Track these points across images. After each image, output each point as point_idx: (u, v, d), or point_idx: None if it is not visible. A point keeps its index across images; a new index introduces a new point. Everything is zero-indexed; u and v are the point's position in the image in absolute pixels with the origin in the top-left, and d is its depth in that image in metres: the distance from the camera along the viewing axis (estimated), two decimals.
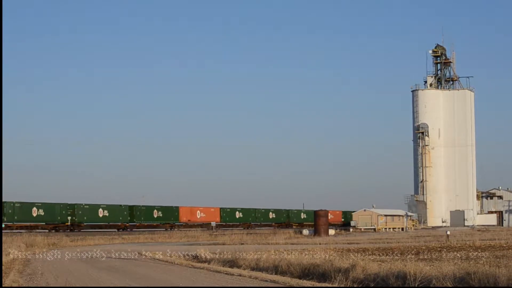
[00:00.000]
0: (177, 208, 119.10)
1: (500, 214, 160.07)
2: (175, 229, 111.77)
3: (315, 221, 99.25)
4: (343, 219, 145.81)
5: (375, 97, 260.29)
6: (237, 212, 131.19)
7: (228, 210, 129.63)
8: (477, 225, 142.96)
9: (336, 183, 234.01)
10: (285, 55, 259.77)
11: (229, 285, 26.15)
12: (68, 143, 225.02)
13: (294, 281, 26.92)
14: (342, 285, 25.59)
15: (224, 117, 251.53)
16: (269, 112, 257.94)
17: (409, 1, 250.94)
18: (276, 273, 30.35)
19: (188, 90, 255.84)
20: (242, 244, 61.61)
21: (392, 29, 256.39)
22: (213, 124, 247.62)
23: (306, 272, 29.75)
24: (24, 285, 26.82)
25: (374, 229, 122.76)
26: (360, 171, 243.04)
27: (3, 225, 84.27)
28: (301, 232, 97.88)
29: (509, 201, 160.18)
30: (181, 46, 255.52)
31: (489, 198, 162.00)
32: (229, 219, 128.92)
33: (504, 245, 52.63)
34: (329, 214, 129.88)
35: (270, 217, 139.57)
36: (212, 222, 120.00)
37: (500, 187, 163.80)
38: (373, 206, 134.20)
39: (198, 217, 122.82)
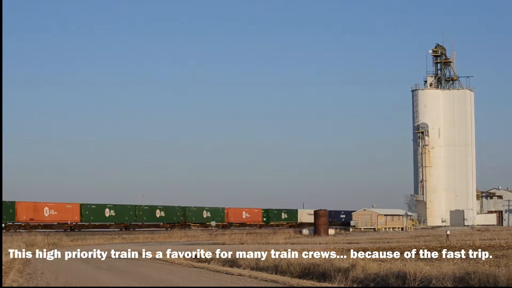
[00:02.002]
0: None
1: (500, 214, 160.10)
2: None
3: (315, 221, 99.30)
4: (265, 219, 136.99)
5: (375, 97, 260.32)
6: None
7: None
8: (477, 225, 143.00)
9: (336, 182, 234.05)
10: (284, 54, 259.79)
11: (229, 285, 26.16)
12: (67, 143, 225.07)
13: (294, 281, 26.94)
14: (342, 285, 25.60)
15: (224, 117, 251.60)
16: (269, 112, 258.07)
17: (409, 1, 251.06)
18: (276, 273, 30.36)
19: (188, 90, 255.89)
20: (242, 244, 61.61)
21: (392, 29, 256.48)
22: (213, 124, 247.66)
23: (306, 272, 29.75)
24: (24, 285, 26.82)
25: (374, 228, 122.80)
26: (360, 170, 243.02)
27: (2, 225, 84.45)
28: (301, 232, 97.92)
29: (509, 200, 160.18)
30: (180, 46, 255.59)
31: (489, 198, 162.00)
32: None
33: (504, 245, 52.63)
34: (244, 212, 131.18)
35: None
36: (212, 222, 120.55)
37: (500, 187, 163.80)
38: (373, 206, 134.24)
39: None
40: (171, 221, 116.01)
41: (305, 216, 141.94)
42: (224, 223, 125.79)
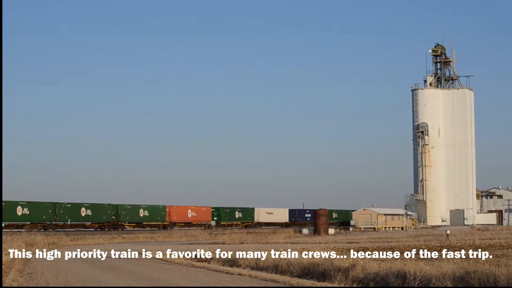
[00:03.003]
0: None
1: (499, 213, 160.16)
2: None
3: (315, 221, 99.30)
4: (215, 218, 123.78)
5: (375, 96, 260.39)
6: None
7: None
8: (477, 224, 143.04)
9: (336, 182, 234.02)
10: (284, 54, 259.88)
11: (229, 285, 26.16)
12: (67, 142, 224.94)
13: (294, 280, 26.94)
14: (342, 285, 25.60)
15: (223, 116, 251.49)
16: (269, 112, 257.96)
17: (409, 1, 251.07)
18: (276, 272, 30.36)
19: (187, 90, 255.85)
20: (241, 243, 61.61)
21: (392, 28, 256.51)
22: (212, 124, 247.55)
23: (306, 271, 29.76)
24: (24, 285, 26.82)
25: (374, 228, 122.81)
26: (360, 170, 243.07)
27: (3, 224, 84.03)
28: (301, 231, 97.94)
29: (508, 200, 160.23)
30: (180, 46, 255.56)
31: (488, 197, 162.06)
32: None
33: (504, 244, 52.66)
34: (190, 210, 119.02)
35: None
36: (212, 222, 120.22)
37: (499, 186, 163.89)
38: (373, 206, 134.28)
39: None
40: (100, 220, 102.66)
41: (263, 215, 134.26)
42: (165, 223, 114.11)
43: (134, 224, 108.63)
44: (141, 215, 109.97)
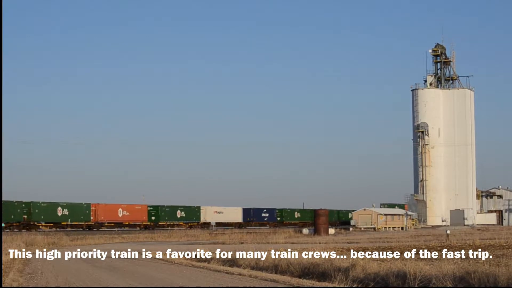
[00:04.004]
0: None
1: (500, 213, 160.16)
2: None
3: (315, 221, 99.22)
4: (153, 218, 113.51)
5: (375, 96, 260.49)
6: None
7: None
8: (477, 224, 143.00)
9: (336, 182, 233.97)
10: (284, 54, 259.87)
11: (229, 285, 26.15)
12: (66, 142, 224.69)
13: (294, 280, 26.92)
14: (342, 285, 25.58)
15: (223, 116, 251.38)
16: (268, 111, 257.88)
17: (409, 1, 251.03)
18: (276, 272, 30.35)
19: (187, 89, 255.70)
20: (241, 243, 61.61)
21: (392, 28, 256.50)
22: (212, 124, 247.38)
23: (306, 271, 29.75)
24: (24, 285, 26.81)
25: (374, 228, 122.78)
26: (360, 170, 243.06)
27: (3, 225, 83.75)
28: (301, 231, 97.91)
29: (508, 200, 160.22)
30: (178, 46, 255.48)
31: (489, 197, 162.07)
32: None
33: (504, 244, 52.63)
34: (121, 209, 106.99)
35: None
36: (212, 222, 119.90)
37: (500, 186, 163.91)
38: (373, 206, 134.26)
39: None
40: (9, 220, 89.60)
41: (212, 214, 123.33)
42: (90, 223, 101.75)
43: (52, 224, 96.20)
44: (60, 214, 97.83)
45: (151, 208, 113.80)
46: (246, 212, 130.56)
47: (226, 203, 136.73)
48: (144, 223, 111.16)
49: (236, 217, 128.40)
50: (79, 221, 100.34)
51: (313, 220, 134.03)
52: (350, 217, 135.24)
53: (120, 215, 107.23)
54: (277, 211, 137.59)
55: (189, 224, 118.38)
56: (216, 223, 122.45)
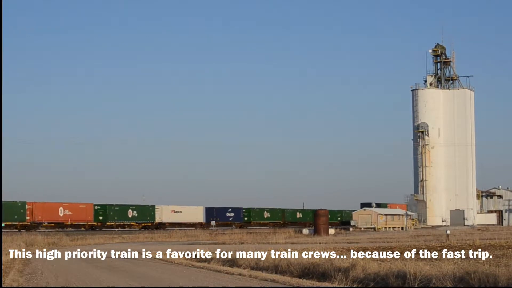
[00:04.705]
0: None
1: (500, 213, 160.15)
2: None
3: (315, 221, 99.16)
4: (100, 217, 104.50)
5: (375, 96, 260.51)
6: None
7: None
8: (477, 225, 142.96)
9: (336, 182, 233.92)
10: (284, 54, 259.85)
11: (229, 285, 26.15)
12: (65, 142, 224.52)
13: (294, 281, 26.92)
14: (342, 285, 25.58)
15: (223, 116, 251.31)
16: (269, 111, 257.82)
17: (409, 1, 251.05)
18: (276, 273, 30.34)
19: (186, 89, 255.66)
20: (242, 243, 61.60)
21: (392, 28, 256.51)
22: (212, 124, 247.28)
23: (306, 272, 29.74)
24: (24, 285, 26.80)
25: (374, 228, 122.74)
26: (360, 170, 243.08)
27: (1, 225, 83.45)
28: (301, 232, 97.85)
29: (509, 200, 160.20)
30: (177, 46, 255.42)
31: (489, 197, 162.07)
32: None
33: (504, 245, 52.62)
34: (62, 208, 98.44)
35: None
36: (212, 221, 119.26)
37: (500, 186, 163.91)
38: (373, 206, 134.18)
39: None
40: None
41: (168, 214, 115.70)
42: (25, 223, 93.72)
43: None
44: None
45: (99, 207, 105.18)
46: (208, 211, 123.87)
47: (228, 203, 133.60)
48: (89, 223, 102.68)
49: (197, 217, 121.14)
50: (13, 221, 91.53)
51: (283, 220, 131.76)
52: (349, 216, 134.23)
53: (61, 215, 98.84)
54: (244, 210, 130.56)
55: (142, 224, 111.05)
56: (173, 223, 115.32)
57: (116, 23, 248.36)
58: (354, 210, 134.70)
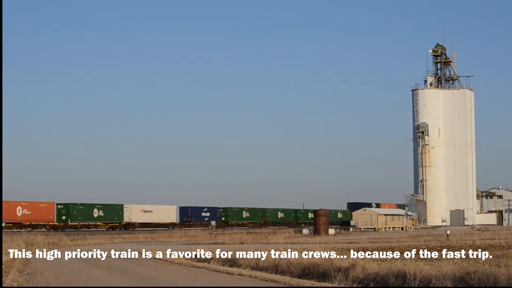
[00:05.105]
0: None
1: (500, 214, 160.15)
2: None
3: (315, 221, 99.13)
4: (63, 217, 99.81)
5: (375, 96, 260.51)
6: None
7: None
8: (477, 225, 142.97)
9: (335, 182, 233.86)
10: (284, 54, 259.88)
11: (229, 285, 26.14)
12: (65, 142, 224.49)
13: (294, 281, 26.91)
14: (342, 285, 25.58)
15: (223, 116, 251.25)
16: (269, 111, 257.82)
17: (409, 1, 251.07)
18: (276, 273, 30.34)
19: (187, 89, 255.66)
20: (242, 243, 61.58)
21: (392, 28, 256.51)
22: (212, 124, 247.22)
23: (306, 272, 29.74)
24: (24, 285, 26.79)
25: (374, 228, 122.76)
26: (360, 170, 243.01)
27: (3, 225, 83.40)
28: (301, 232, 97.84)
29: (509, 200, 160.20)
30: (176, 46, 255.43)
31: (489, 197, 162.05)
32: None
33: (504, 245, 52.63)
34: (20, 207, 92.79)
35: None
36: (212, 221, 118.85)
37: (500, 187, 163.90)
38: (373, 206, 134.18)
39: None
40: None
41: (138, 214, 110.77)
42: None
43: None
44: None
45: (61, 206, 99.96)
46: (183, 211, 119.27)
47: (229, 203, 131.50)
48: (50, 223, 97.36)
49: (169, 216, 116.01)
50: None
51: (263, 220, 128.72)
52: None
53: (19, 214, 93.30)
54: (220, 210, 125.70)
55: (110, 224, 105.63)
56: (144, 223, 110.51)
57: (116, 23, 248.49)
58: (354, 210, 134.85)
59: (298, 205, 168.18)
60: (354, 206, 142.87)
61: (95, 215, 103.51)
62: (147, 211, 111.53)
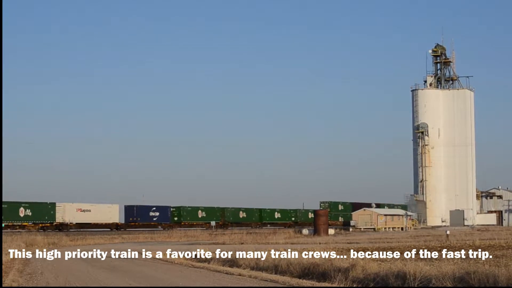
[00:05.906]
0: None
1: (499, 214, 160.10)
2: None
3: (315, 221, 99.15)
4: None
5: (375, 97, 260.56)
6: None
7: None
8: (477, 225, 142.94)
9: (335, 182, 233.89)
10: (284, 54, 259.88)
11: (229, 285, 26.14)
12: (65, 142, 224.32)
13: (294, 281, 26.91)
14: (342, 285, 25.58)
15: (223, 116, 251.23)
16: (269, 111, 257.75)
17: (409, 1, 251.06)
18: (276, 273, 30.34)
19: (186, 89, 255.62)
20: (241, 243, 61.57)
21: (392, 28, 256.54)
22: (212, 124, 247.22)
23: (306, 272, 29.74)
24: (24, 285, 26.79)
25: (374, 228, 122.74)
26: (359, 170, 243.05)
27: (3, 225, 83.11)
28: (301, 232, 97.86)
29: (508, 200, 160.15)
30: (176, 46, 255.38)
31: (488, 197, 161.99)
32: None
33: (504, 245, 52.63)
34: None
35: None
36: (212, 222, 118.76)
37: (499, 187, 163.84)
38: (373, 206, 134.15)
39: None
40: None
41: (73, 213, 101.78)
42: None
43: None
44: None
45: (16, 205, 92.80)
46: (128, 210, 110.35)
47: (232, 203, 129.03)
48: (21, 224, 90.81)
49: (111, 216, 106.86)
50: None
51: (223, 221, 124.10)
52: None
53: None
54: (172, 209, 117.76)
55: (40, 225, 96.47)
56: (80, 224, 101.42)
57: (116, 23, 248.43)
58: (354, 210, 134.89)
59: (298, 205, 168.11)
60: (354, 206, 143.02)
61: (21, 215, 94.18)
62: (84, 210, 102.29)
